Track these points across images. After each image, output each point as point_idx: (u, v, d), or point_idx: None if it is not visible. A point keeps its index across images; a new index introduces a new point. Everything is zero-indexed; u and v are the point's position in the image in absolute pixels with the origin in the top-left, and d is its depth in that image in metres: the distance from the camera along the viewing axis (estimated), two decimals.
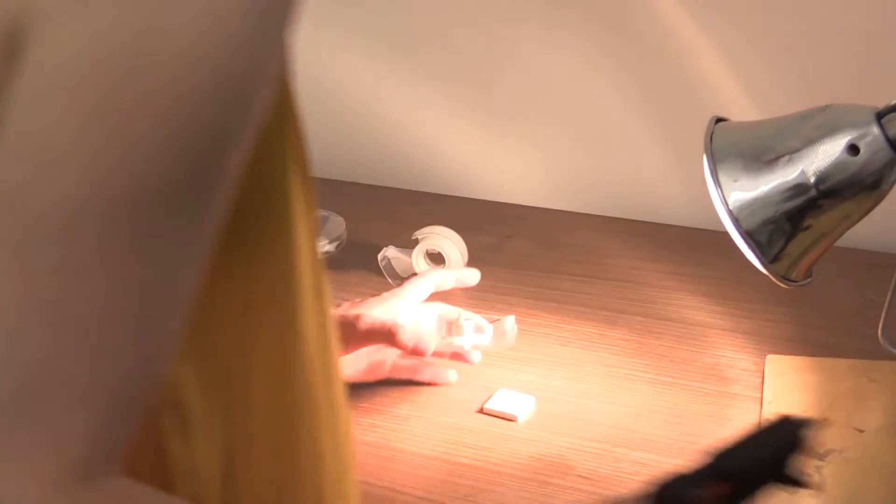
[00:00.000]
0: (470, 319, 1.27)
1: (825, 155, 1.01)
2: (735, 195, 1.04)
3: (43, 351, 0.62)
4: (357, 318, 1.22)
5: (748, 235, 1.04)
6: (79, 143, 0.62)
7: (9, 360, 0.61)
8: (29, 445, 0.61)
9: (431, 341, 1.22)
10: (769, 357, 1.29)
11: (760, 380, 1.26)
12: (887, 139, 1.00)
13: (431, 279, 1.33)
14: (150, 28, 0.61)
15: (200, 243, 0.65)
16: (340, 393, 0.82)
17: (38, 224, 0.62)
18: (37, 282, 0.62)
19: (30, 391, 0.62)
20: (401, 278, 1.47)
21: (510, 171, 1.71)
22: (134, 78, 0.61)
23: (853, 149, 1.01)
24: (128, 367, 0.64)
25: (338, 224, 1.60)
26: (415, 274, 1.46)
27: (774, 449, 0.80)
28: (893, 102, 1.01)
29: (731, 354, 1.31)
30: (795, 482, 0.80)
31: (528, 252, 1.56)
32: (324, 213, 1.62)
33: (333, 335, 0.81)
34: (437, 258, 1.46)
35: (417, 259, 1.46)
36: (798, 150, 1.02)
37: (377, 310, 1.26)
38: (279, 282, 0.76)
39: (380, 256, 1.48)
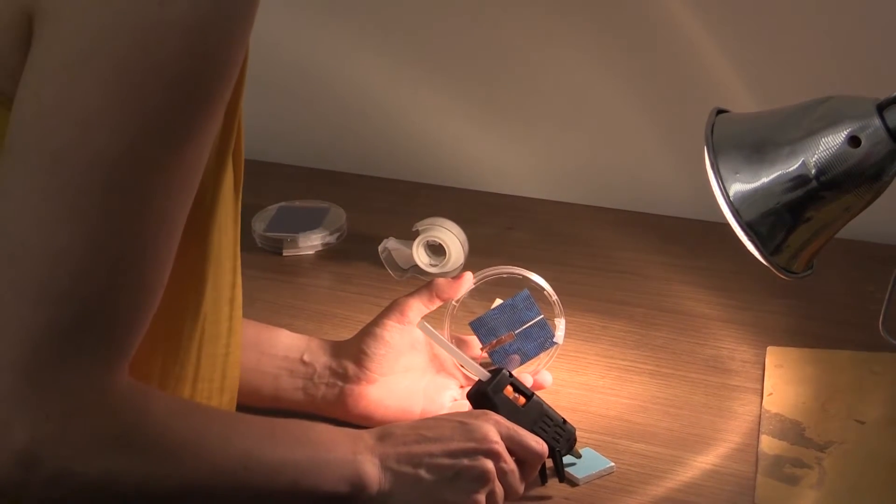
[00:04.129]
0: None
1: (826, 146, 1.01)
2: (736, 187, 1.04)
3: (97, 287, 0.79)
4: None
5: (749, 227, 1.04)
6: (109, 106, 0.77)
7: (70, 294, 0.78)
8: (85, 358, 0.80)
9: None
10: (770, 349, 1.29)
11: (761, 371, 1.26)
12: (888, 131, 1.00)
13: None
14: (158, 7, 0.76)
15: (196, 181, 0.84)
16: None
17: (87, 180, 0.77)
18: (91, 230, 0.78)
19: (84, 320, 0.79)
20: (401, 269, 1.47)
21: (511, 162, 1.71)
22: (148, 53, 0.77)
23: (854, 140, 1.01)
24: (154, 292, 0.83)
25: (338, 215, 1.60)
26: (415, 265, 1.46)
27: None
28: (895, 94, 1.01)
29: (732, 346, 1.31)
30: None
31: (529, 244, 1.56)
32: (324, 204, 1.62)
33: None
34: (437, 250, 1.46)
35: (418, 250, 1.46)
36: (799, 141, 1.02)
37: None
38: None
39: (380, 248, 1.48)
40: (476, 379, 1.13)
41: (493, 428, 1.02)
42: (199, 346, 0.94)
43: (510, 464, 1.02)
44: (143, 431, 0.84)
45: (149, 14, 0.76)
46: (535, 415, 1.10)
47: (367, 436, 0.99)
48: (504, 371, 1.12)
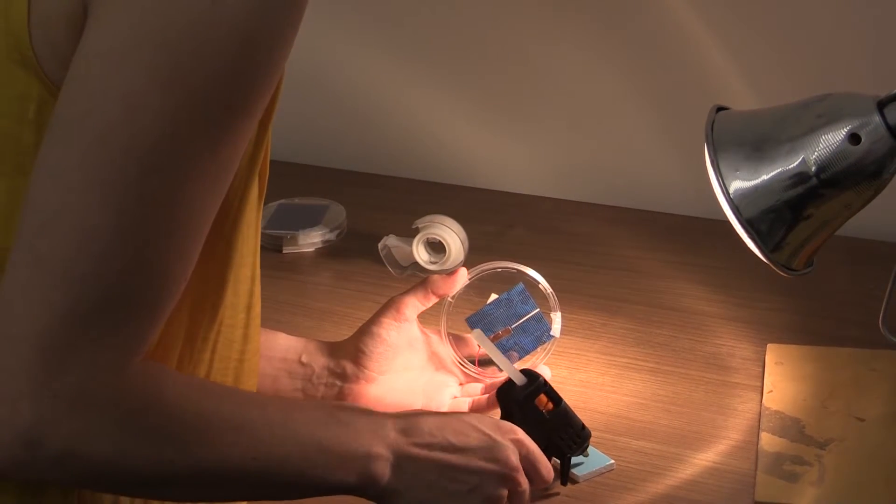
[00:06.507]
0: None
1: (826, 143, 1.01)
2: (736, 184, 1.04)
3: (121, 271, 0.80)
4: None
5: (749, 224, 1.04)
6: (154, 90, 0.78)
7: (94, 275, 0.79)
8: (102, 340, 0.80)
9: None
10: (770, 346, 1.29)
11: (761, 369, 1.26)
12: (888, 128, 1.00)
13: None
14: (211, 3, 0.78)
15: (229, 176, 0.84)
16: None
17: (124, 160, 0.78)
18: (122, 211, 0.79)
19: (105, 301, 0.79)
20: (401, 267, 1.47)
21: (511, 159, 1.71)
22: (197, 45, 0.78)
23: (854, 137, 1.01)
24: (177, 284, 0.83)
25: (338, 213, 1.60)
26: (415, 263, 1.46)
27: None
28: (895, 91, 1.01)
29: (732, 343, 1.31)
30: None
31: (529, 241, 1.56)
32: (325, 201, 1.62)
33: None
34: (437, 247, 1.46)
35: (418, 248, 1.46)
36: (799, 138, 1.02)
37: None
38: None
39: (380, 245, 1.48)
40: (508, 378, 1.13)
41: (516, 451, 1.02)
42: (213, 349, 0.94)
43: (524, 485, 1.02)
44: (151, 415, 0.84)
45: (202, 9, 0.78)
46: (560, 424, 1.10)
47: (391, 426, 0.97)
48: (540, 379, 1.12)
